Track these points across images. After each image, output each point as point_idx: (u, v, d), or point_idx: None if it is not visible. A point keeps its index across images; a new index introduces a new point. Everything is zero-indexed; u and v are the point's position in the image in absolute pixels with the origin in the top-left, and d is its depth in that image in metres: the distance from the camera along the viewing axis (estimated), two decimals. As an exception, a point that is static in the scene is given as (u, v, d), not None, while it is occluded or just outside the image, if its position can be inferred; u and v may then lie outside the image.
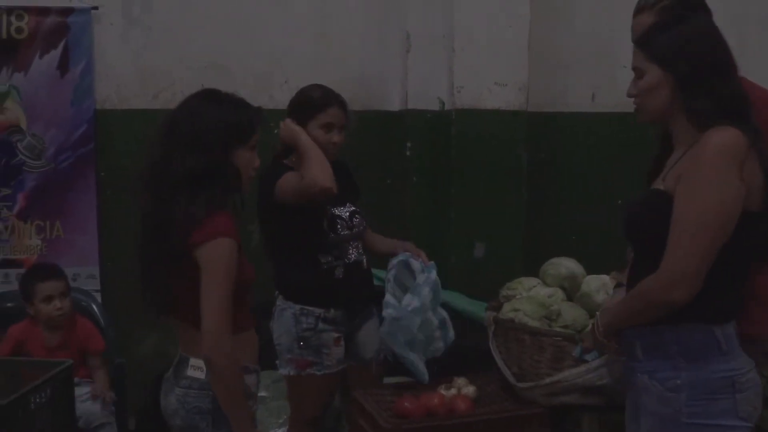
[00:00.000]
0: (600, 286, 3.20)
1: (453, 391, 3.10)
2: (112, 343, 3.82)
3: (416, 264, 3.09)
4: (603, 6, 4.49)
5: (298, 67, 4.26)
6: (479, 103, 4.20)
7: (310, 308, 2.98)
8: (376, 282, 3.26)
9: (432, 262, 3.14)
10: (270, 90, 4.21)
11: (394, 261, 3.09)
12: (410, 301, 2.96)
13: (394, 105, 4.43)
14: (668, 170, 2.04)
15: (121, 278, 4.16)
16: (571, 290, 3.30)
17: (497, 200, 4.24)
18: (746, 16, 4.45)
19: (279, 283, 3.08)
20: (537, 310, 3.08)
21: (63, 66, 4.08)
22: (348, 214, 3.08)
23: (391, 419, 2.92)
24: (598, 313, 2.24)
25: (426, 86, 4.31)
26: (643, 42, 2.06)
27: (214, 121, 2.27)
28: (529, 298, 3.19)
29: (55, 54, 4.06)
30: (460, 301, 3.97)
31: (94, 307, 3.98)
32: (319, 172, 2.85)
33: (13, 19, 3.99)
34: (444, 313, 3.14)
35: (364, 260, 3.12)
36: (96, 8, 4.10)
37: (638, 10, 2.54)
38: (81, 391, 3.41)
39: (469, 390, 3.11)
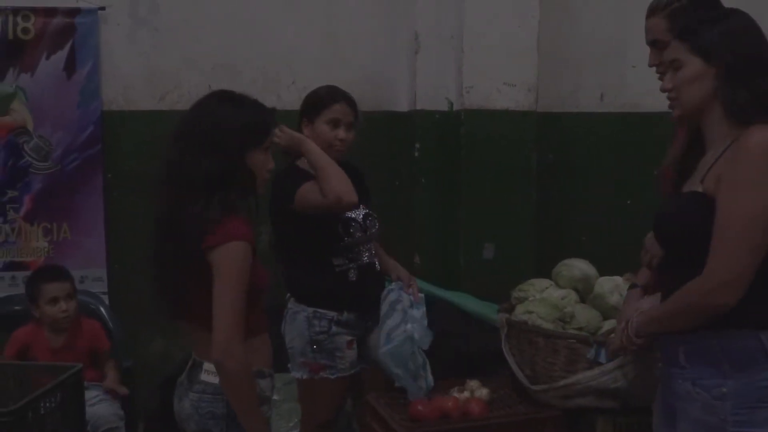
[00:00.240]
0: (613, 287, 3.18)
1: (466, 394, 3.08)
2: (120, 345, 3.79)
3: (406, 299, 3.06)
4: (612, 6, 4.48)
5: (306, 68, 4.25)
6: (488, 104, 4.18)
7: (323, 311, 2.95)
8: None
9: (422, 296, 3.11)
10: (278, 90, 4.19)
11: (386, 293, 3.06)
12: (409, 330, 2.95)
13: (403, 106, 4.42)
14: (706, 171, 2.00)
15: (128, 280, 4.16)
16: (584, 292, 3.27)
17: (506, 201, 4.22)
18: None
19: (291, 286, 3.05)
20: (550, 312, 3.06)
21: (70, 67, 4.06)
22: (362, 216, 3.06)
23: (404, 423, 2.90)
24: (629, 316, 2.19)
25: (435, 87, 4.30)
26: (687, 34, 2.02)
27: (230, 123, 2.23)
28: (542, 300, 3.16)
29: (61, 55, 4.04)
30: (469, 302, 3.95)
31: (102, 309, 3.96)
32: (340, 187, 2.82)
33: (19, 19, 3.98)
34: (425, 357, 3.09)
35: (377, 263, 3.09)
36: (103, 9, 4.08)
37: (651, 12, 2.53)
38: (90, 395, 3.38)
39: (483, 393, 3.09)
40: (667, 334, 2.07)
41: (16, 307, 3.82)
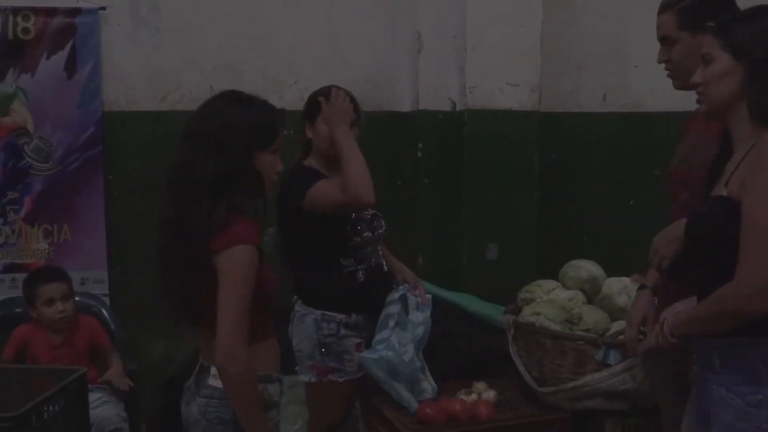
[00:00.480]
0: (621, 288, 3.18)
1: (474, 396, 3.08)
2: (122, 347, 3.76)
3: (412, 300, 3.05)
4: (614, 6, 4.47)
5: (307, 68, 4.23)
6: (491, 104, 4.16)
7: (332, 314, 2.92)
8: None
9: (429, 297, 3.09)
10: (280, 91, 4.16)
11: (395, 296, 3.03)
12: (404, 348, 2.92)
13: (405, 106, 4.39)
14: (730, 174, 1.98)
15: (129, 282, 4.15)
16: (592, 293, 3.27)
17: (509, 201, 4.21)
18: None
19: (299, 288, 3.02)
20: (558, 313, 3.05)
21: (70, 67, 4.03)
22: (370, 216, 3.03)
23: (412, 425, 2.89)
24: (665, 316, 2.16)
25: (437, 87, 4.28)
26: (720, 29, 2.00)
27: (237, 123, 2.20)
28: (549, 301, 3.16)
29: (62, 55, 4.01)
30: (473, 303, 3.94)
31: (104, 311, 3.92)
32: (362, 185, 2.79)
33: (19, 19, 3.94)
34: (423, 361, 3.09)
35: (384, 264, 3.07)
36: (103, 9, 4.05)
37: (662, 9, 2.52)
38: (93, 397, 3.35)
39: (490, 395, 3.09)
40: (701, 338, 2.03)
41: (17, 310, 3.78)
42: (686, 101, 2.97)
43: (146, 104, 4.17)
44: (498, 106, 4.16)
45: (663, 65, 2.62)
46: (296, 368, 3.02)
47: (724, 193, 1.96)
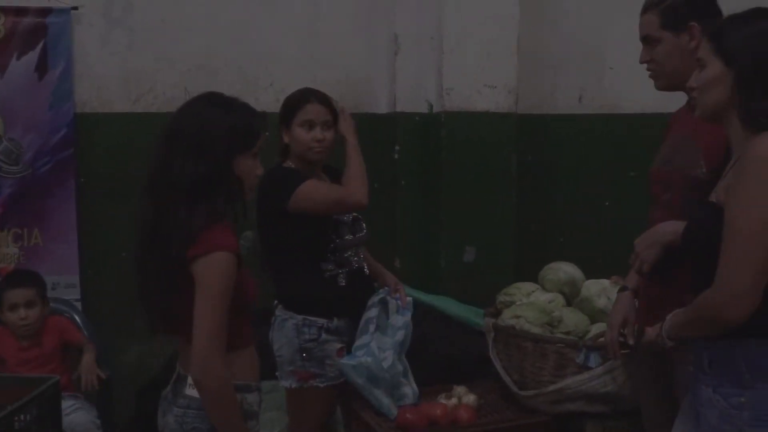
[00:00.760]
0: (600, 290, 3.18)
1: (454, 400, 3.05)
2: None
3: (392, 303, 3.03)
4: (590, 9, 4.48)
5: (284, 69, 4.19)
6: (469, 106, 4.15)
7: (313, 319, 2.89)
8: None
9: (410, 300, 3.07)
10: (256, 92, 4.11)
11: (375, 299, 3.01)
12: (383, 354, 2.90)
13: (382, 107, 4.37)
14: (722, 180, 1.98)
15: (102, 287, 4.08)
16: (571, 295, 3.27)
17: (487, 203, 4.19)
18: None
19: (280, 293, 2.98)
20: (539, 316, 3.04)
21: (41, 68, 3.95)
22: (351, 219, 3.00)
23: (392, 431, 2.86)
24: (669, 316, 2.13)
25: (414, 88, 4.26)
26: (713, 35, 2.00)
27: (217, 126, 2.15)
28: (530, 304, 3.14)
29: (33, 55, 3.93)
30: (452, 306, 3.91)
31: (76, 317, 3.86)
32: (360, 185, 2.87)
33: (-11, 19, 3.87)
34: (407, 364, 3.08)
35: (365, 267, 3.04)
36: (76, 8, 3.98)
37: (645, 9, 2.50)
38: (66, 404, 3.30)
39: (470, 399, 3.07)
40: (695, 339, 2.04)
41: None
42: (662, 102, 2.99)
43: (119, 106, 4.10)
44: (475, 108, 4.15)
45: (640, 66, 2.61)
46: (276, 373, 2.98)
47: (714, 198, 1.95)
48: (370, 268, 3.08)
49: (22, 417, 2.69)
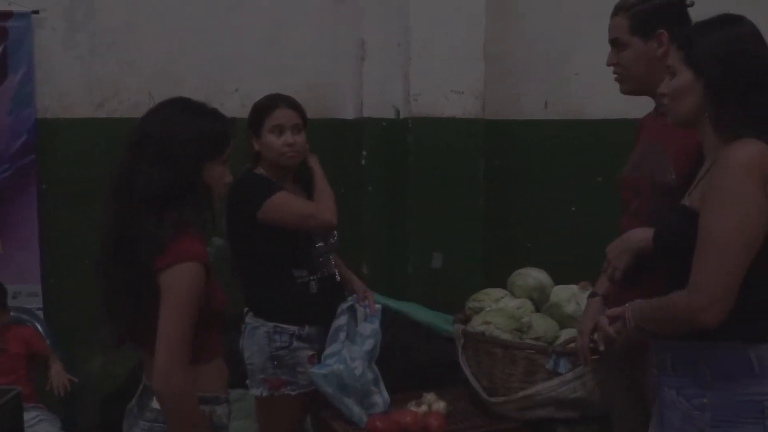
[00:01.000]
0: (569, 296, 3.18)
1: (424, 407, 3.04)
2: (59, 364, 3.63)
3: (360, 311, 3.02)
4: (556, 14, 4.50)
5: (249, 75, 4.17)
6: (436, 111, 4.14)
7: (284, 326, 2.87)
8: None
9: (378, 307, 3.06)
10: (221, 98, 4.06)
11: (344, 307, 3.00)
12: (354, 363, 2.89)
13: (349, 113, 4.36)
14: (695, 185, 1.99)
15: (64, 295, 4.03)
16: (540, 301, 3.27)
17: (455, 209, 4.19)
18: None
19: (250, 300, 2.95)
20: (508, 322, 3.03)
21: (1, 73, 3.90)
22: None
23: (363, 439, 2.84)
24: (628, 305, 2.11)
25: (381, 94, 4.24)
26: (682, 42, 2.00)
27: (187, 132, 2.11)
28: (499, 310, 3.13)
29: (-8, 60, 3.88)
30: (420, 312, 3.90)
31: (38, 326, 3.82)
32: (330, 203, 2.90)
33: (-53, 23, 3.80)
34: (377, 372, 3.06)
35: (337, 273, 3.02)
36: (37, 12, 3.93)
37: (615, 11, 2.51)
38: (29, 416, 3.25)
39: (440, 406, 3.05)
40: (659, 340, 2.05)
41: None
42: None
43: (82, 111, 4.05)
44: (442, 114, 4.15)
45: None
46: (247, 382, 2.95)
47: (687, 203, 1.96)
48: (340, 274, 3.06)
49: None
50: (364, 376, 2.95)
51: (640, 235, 2.23)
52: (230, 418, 2.26)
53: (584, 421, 2.94)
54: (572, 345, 2.82)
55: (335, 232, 3.04)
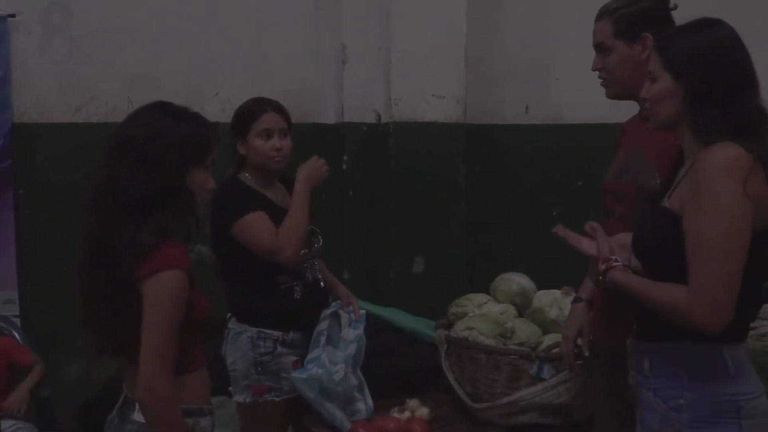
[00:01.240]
0: (552, 301, 3.18)
1: (407, 413, 3.03)
2: (36, 371, 3.58)
3: (344, 317, 3.01)
4: (537, 19, 4.49)
5: (229, 79, 4.13)
6: (417, 116, 4.13)
7: (268, 331, 2.85)
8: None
9: (363, 313, 3.05)
10: (201, 102, 4.00)
11: (327, 312, 2.98)
12: (335, 367, 2.87)
13: (330, 118, 4.33)
14: (674, 187, 1.99)
15: (42, 302, 3.97)
16: (523, 306, 3.27)
17: (436, 214, 4.18)
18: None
19: (233, 305, 2.94)
20: (491, 327, 3.03)
21: (-23, 77, 3.83)
22: (307, 232, 2.96)
23: (345, 446, 2.82)
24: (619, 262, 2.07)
25: (362, 98, 4.23)
26: (661, 48, 2.00)
27: (172, 137, 2.07)
28: (482, 315, 3.13)
29: (-33, 64, 3.81)
30: (402, 318, 3.88)
31: (15, 333, 3.75)
32: (293, 240, 2.82)
33: None
34: (362, 378, 3.05)
35: (321, 279, 3.01)
36: (13, 16, 3.87)
37: (599, 16, 2.50)
38: (6, 425, 3.22)
39: (423, 412, 3.04)
40: (636, 343, 2.06)
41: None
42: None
43: (59, 116, 4.00)
44: (424, 118, 4.14)
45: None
46: (229, 388, 2.93)
47: (667, 204, 1.96)
48: (325, 280, 3.04)
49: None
50: (347, 381, 2.93)
51: (625, 240, 2.23)
52: (213, 429, 2.23)
53: (568, 426, 2.94)
54: (556, 350, 2.82)
55: (320, 237, 3.02)
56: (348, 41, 4.20)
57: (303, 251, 2.92)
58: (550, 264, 4.00)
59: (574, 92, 4.38)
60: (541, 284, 3.49)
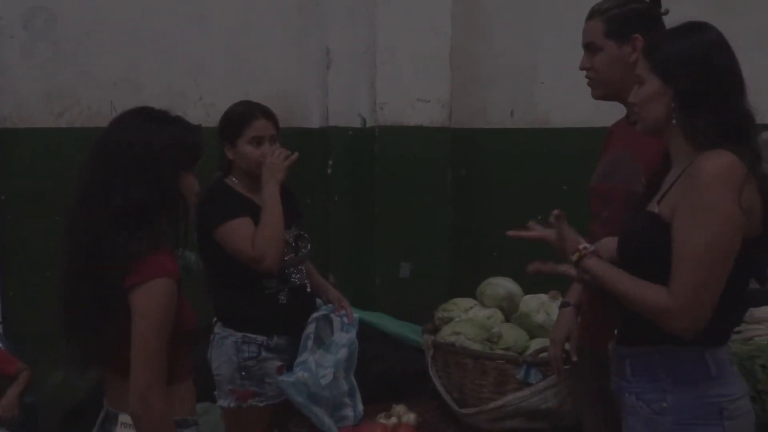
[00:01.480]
0: (539, 305, 3.18)
1: (393, 419, 3.02)
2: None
3: (336, 321, 3.00)
4: (521, 23, 4.50)
5: (213, 83, 4.11)
6: (402, 120, 4.12)
7: (253, 336, 2.84)
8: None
9: (356, 317, 3.04)
10: (184, 107, 3.97)
11: (316, 315, 2.97)
12: (324, 371, 2.85)
13: (315, 122, 4.31)
14: (664, 192, 1.99)
15: (24, 308, 3.93)
16: (509, 311, 3.26)
17: (422, 218, 4.17)
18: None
19: (218, 310, 2.92)
20: (478, 332, 3.02)
21: (-42, 82, 3.80)
22: (293, 237, 2.95)
23: (332, 453, 2.80)
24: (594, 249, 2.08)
25: (347, 103, 4.22)
26: (649, 51, 2.00)
27: (164, 142, 2.04)
28: (469, 320, 3.12)
29: (-52, 69, 3.79)
30: (388, 323, 3.87)
31: (-4, 340, 3.71)
32: (272, 247, 2.77)
33: None
34: (354, 383, 3.04)
35: (308, 284, 2.99)
36: (-5, 19, 3.84)
37: (590, 15, 2.49)
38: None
39: (410, 418, 3.03)
40: (617, 348, 2.07)
41: None
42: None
43: (42, 121, 3.97)
44: (409, 123, 4.13)
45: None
46: (215, 393, 2.91)
47: (656, 210, 1.96)
48: (314, 284, 3.04)
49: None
50: (336, 386, 2.92)
51: (611, 245, 2.22)
52: None
53: (556, 431, 2.93)
54: (543, 355, 2.81)
55: (308, 243, 3.00)
56: (332, 45, 4.19)
57: (289, 256, 2.90)
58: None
59: (559, 96, 4.39)
60: (528, 289, 3.49)
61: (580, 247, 2.07)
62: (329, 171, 4.26)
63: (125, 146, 2.03)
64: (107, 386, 2.13)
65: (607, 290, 2.01)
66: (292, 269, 2.93)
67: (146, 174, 2.01)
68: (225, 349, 2.85)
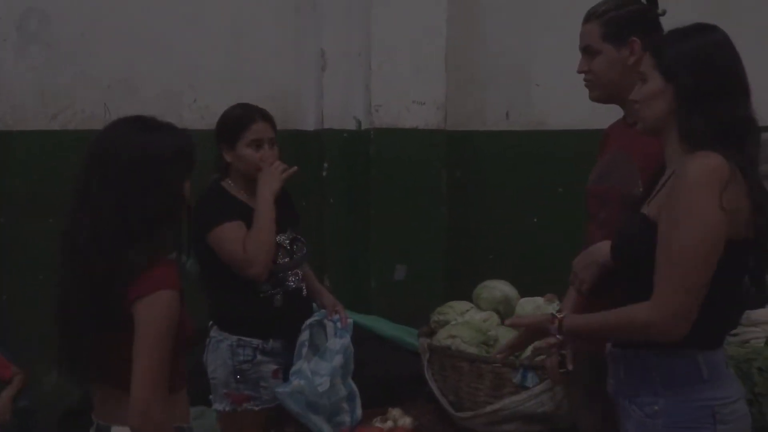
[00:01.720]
0: (534, 308, 3.17)
1: (389, 423, 3.02)
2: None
3: (330, 326, 2.99)
4: (517, 26, 4.50)
5: (208, 86, 4.10)
6: (398, 122, 4.12)
7: (248, 339, 2.83)
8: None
9: (350, 321, 3.03)
10: (179, 110, 4.01)
11: (310, 321, 2.96)
12: (320, 379, 2.83)
13: (310, 124, 4.30)
14: (655, 193, 1.99)
15: (18, 312, 3.92)
16: (505, 313, 3.26)
17: (417, 221, 4.16)
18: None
19: (214, 313, 2.92)
20: (474, 336, 3.01)
21: (-48, 84, 3.79)
22: (289, 241, 2.94)
23: (328, 457, 2.79)
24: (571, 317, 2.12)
25: (342, 105, 4.21)
26: (655, 49, 2.00)
27: (169, 152, 2.02)
28: (465, 323, 3.12)
29: (-58, 71, 3.77)
30: (384, 326, 3.86)
31: (-10, 344, 3.69)
32: (263, 254, 2.76)
33: None
34: (354, 388, 3.03)
35: (304, 288, 2.97)
36: (-12, 21, 3.83)
37: (587, 18, 2.49)
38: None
39: (406, 421, 3.03)
40: (612, 351, 2.06)
41: None
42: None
43: (36, 123, 3.95)
44: (404, 125, 4.12)
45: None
46: (210, 396, 2.91)
47: (646, 211, 1.96)
48: (310, 288, 3.03)
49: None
50: (334, 392, 2.91)
51: (606, 248, 2.22)
52: None
53: (551, 435, 2.94)
54: (540, 358, 2.80)
55: (304, 247, 2.99)
56: (327, 47, 4.18)
57: (285, 259, 2.89)
58: (531, 270, 4.00)
59: (555, 98, 4.39)
60: (524, 291, 3.48)
61: (553, 317, 2.10)
62: (324, 173, 4.25)
63: (129, 159, 2.00)
64: (97, 400, 2.10)
65: (598, 336, 2.04)
66: (287, 272, 2.91)
67: (157, 187, 2.00)
68: (220, 352, 2.84)
